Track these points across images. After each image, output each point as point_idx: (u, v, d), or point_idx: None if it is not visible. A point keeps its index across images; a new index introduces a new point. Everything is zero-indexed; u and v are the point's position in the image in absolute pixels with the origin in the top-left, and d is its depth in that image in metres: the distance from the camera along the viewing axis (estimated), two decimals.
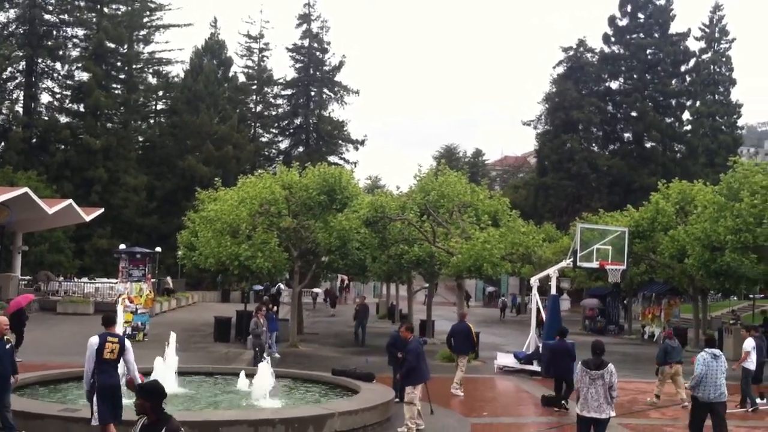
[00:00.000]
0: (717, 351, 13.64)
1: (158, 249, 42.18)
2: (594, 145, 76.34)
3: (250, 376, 16.62)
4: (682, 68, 75.07)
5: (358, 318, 31.66)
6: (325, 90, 77.46)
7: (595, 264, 24.06)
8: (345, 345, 30.72)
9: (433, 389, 15.83)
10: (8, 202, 35.87)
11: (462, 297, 28.69)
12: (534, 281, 25.25)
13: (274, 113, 78.41)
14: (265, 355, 20.29)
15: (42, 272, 45.90)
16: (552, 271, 24.48)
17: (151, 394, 6.42)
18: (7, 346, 11.94)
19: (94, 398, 10.97)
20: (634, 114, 74.03)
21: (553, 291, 24.44)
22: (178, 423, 6.36)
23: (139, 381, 10.59)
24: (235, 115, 69.17)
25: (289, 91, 78.23)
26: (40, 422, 12.07)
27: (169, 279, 49.52)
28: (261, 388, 15.35)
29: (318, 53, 76.95)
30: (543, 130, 77.32)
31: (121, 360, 11.31)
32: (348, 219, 28.73)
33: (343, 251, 29.53)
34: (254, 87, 76.74)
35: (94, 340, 11.14)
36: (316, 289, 62.49)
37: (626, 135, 76.64)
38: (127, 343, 11.42)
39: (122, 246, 34.76)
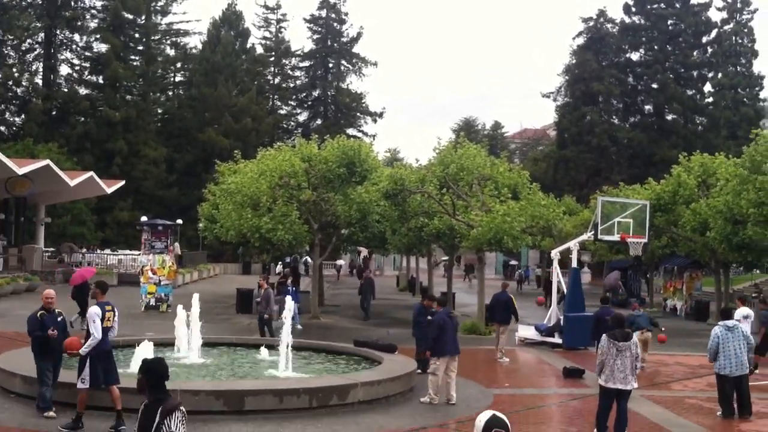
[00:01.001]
0: (731, 322, 13.63)
1: (179, 221, 42.39)
2: (614, 117, 75.74)
3: (272, 347, 16.79)
4: (704, 39, 74.06)
5: (362, 292, 31.43)
6: (343, 61, 77.16)
7: (616, 237, 23.99)
8: (366, 316, 30.88)
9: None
10: (30, 175, 36.15)
11: (482, 270, 28.68)
12: (554, 254, 25.23)
13: (292, 85, 78.24)
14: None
15: (65, 244, 46.34)
16: (573, 244, 24.45)
17: (149, 371, 5.99)
18: (59, 318, 12.15)
19: (87, 362, 11.36)
20: (654, 86, 73.23)
21: (574, 264, 24.42)
22: (176, 402, 5.92)
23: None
24: (254, 87, 69.13)
25: (306, 63, 77.99)
26: (66, 390, 12.22)
27: (177, 245, 49.32)
28: (283, 359, 15.51)
29: (336, 24, 76.58)
30: (562, 102, 76.79)
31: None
32: (368, 192, 28.76)
33: (363, 224, 29.65)
34: (272, 59, 76.55)
35: (97, 310, 11.53)
36: (339, 261, 62.72)
37: (647, 107, 75.90)
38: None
39: (144, 218, 34.91)
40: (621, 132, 72.17)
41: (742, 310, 18.98)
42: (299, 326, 24.99)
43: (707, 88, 74.88)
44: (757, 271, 52.79)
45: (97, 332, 11.35)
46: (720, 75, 73.42)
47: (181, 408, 5.83)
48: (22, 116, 63.62)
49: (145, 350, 14.40)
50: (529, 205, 27.39)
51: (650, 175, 40.10)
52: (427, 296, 18.47)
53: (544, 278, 45.82)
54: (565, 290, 24.62)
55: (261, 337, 20.49)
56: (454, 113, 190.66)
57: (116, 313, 12.00)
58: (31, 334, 11.98)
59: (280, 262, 40.49)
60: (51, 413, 11.68)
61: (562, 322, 23.14)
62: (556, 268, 24.97)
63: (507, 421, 4.68)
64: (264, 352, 17.34)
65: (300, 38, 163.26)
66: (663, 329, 23.13)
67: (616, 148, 70.97)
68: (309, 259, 41.97)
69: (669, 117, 73.56)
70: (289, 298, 18.14)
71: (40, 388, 11.87)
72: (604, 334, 12.28)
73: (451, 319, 14.68)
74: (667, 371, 19.01)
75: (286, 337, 15.87)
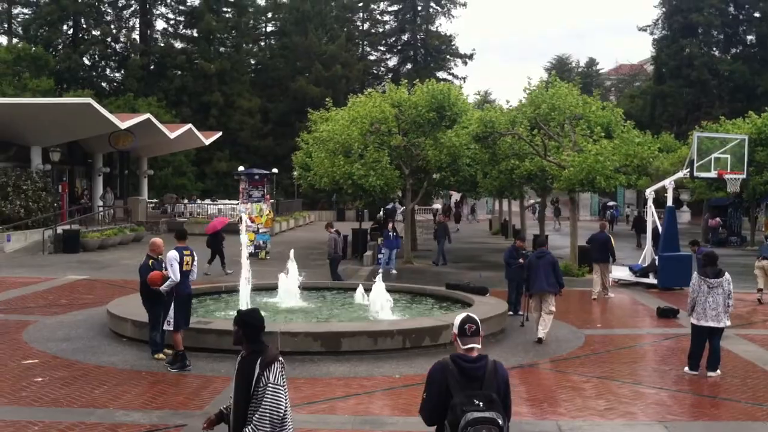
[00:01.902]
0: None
1: (275, 170, 43.38)
2: (715, 49, 72.84)
3: (368, 290, 17.26)
4: None
5: (437, 237, 30.28)
6: (432, 4, 76.47)
7: (713, 174, 23.37)
8: (458, 261, 31.14)
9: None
10: (132, 129, 37.51)
11: (575, 211, 28.45)
12: (649, 193, 24.78)
13: (381, 30, 78.13)
14: (380, 271, 20.87)
15: (168, 195, 48.08)
16: (668, 183, 23.97)
17: (245, 324, 5.82)
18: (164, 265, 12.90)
19: (172, 306, 12.11)
20: (757, 15, 69.94)
21: (669, 203, 23.98)
22: (275, 353, 5.77)
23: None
24: (343, 34, 69.39)
25: (395, 7, 77.61)
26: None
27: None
28: (376, 303, 15.98)
29: None
30: (660, 35, 74.24)
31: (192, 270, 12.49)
32: (458, 135, 28.76)
33: (454, 168, 29.72)
34: (360, 4, 76.50)
35: (175, 254, 12.18)
36: (436, 205, 63.04)
37: (749, 37, 72.71)
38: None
39: (240, 168, 35.89)
40: (722, 64, 69.38)
41: None
42: (394, 271, 25.48)
43: None
44: None
45: (174, 275, 12.05)
46: None
47: (280, 359, 5.75)
48: (122, 72, 65.75)
49: (244, 292, 15.23)
50: (623, 144, 26.88)
51: (753, 108, 38.73)
52: (518, 237, 18.70)
53: (634, 217, 45.04)
54: (660, 230, 24.24)
55: (333, 280, 21.23)
56: (547, 52, 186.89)
57: (195, 258, 12.61)
58: (144, 282, 12.62)
59: (382, 208, 41.03)
60: (161, 355, 12.47)
61: (657, 262, 22.86)
62: (650, 207, 24.55)
63: (478, 320, 5.39)
64: (359, 295, 17.84)
65: None
66: None
67: (716, 82, 68.33)
68: (398, 205, 42.20)
69: None
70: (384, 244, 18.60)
71: (150, 333, 12.65)
72: (695, 272, 12.23)
73: (540, 259, 14.80)
74: (764, 309, 18.67)
75: (381, 281, 16.37)
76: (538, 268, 14.64)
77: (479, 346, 5.20)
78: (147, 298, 12.59)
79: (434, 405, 5.17)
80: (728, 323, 12.04)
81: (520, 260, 16.73)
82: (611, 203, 65.49)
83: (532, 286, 14.73)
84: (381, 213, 39.00)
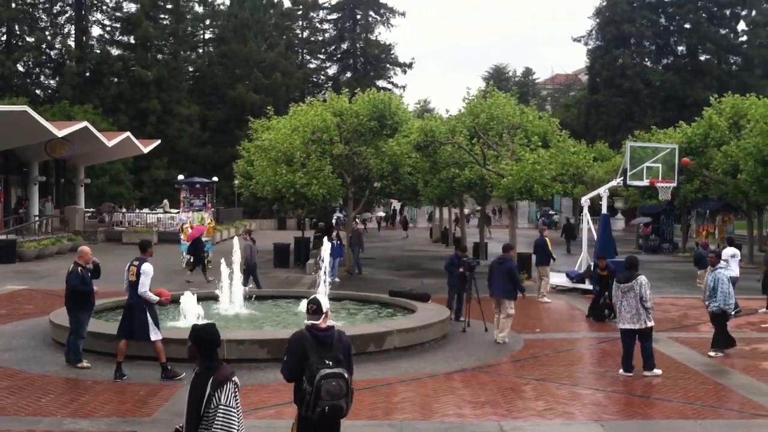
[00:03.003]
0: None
1: (215, 179, 43.17)
2: (647, 59, 74.88)
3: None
4: None
5: (351, 245, 29.60)
6: (371, 13, 76.97)
7: (645, 182, 24.21)
8: (400, 268, 31.50)
9: (486, 308, 16.48)
10: (69, 137, 36.91)
11: (514, 218, 29.06)
12: (585, 201, 25.49)
13: (320, 38, 78.31)
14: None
15: (106, 204, 47.39)
16: (602, 191, 24.71)
17: (199, 340, 5.69)
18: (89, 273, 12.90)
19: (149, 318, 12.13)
20: (687, 26, 72.14)
21: (604, 210, 24.69)
22: (228, 371, 5.62)
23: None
24: (282, 42, 69.39)
25: (334, 16, 77.91)
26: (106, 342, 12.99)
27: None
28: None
29: None
30: (594, 45, 75.96)
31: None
32: (399, 144, 29.17)
33: (395, 176, 30.11)
34: (300, 12, 76.57)
35: (149, 267, 12.29)
36: (380, 213, 63.41)
37: (680, 48, 74.95)
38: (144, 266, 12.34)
39: (180, 176, 35.67)
40: (654, 74, 71.38)
41: (729, 250, 20.23)
42: (337, 279, 25.63)
43: (741, 26, 73.69)
44: None
45: (143, 286, 12.14)
46: (754, 12, 72.03)
47: (234, 379, 5.58)
48: (57, 79, 64.59)
49: (188, 302, 15.23)
50: (559, 153, 27.60)
51: (684, 118, 39.92)
52: (459, 247, 19.16)
53: (564, 225, 46.07)
54: (595, 237, 24.94)
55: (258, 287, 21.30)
56: (484, 61, 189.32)
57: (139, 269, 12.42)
58: (74, 288, 12.61)
59: (335, 215, 41.13)
60: (86, 363, 12.51)
61: (592, 269, 23.49)
62: (586, 215, 25.24)
63: (319, 299, 6.75)
64: (303, 303, 17.95)
65: None
66: None
67: (648, 91, 70.21)
68: (339, 214, 42.37)
69: (702, 57, 72.72)
70: (326, 252, 18.78)
71: (75, 341, 12.60)
72: (615, 279, 12.91)
73: (500, 265, 15.44)
74: (695, 314, 19.39)
75: (324, 288, 16.57)
76: (496, 274, 15.32)
77: (320, 321, 6.57)
78: (72, 306, 12.60)
79: (294, 365, 6.40)
80: (650, 324, 12.49)
81: (461, 269, 17.16)
82: (552, 212, 66.74)
83: (490, 290, 15.51)
84: (320, 222, 39.11)
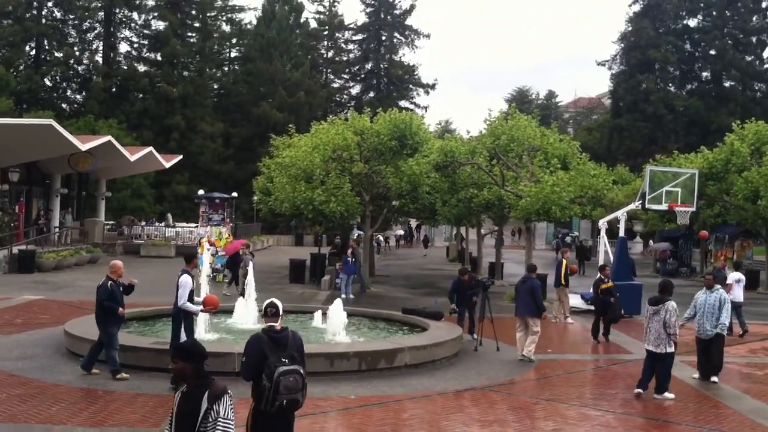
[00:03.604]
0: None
1: (235, 194, 43.43)
2: (671, 85, 74.65)
3: (325, 314, 17.49)
4: (763, 4, 72.49)
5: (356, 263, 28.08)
6: (396, 34, 77.36)
7: (664, 206, 24.11)
8: (415, 286, 31.50)
9: (499, 328, 16.47)
10: (92, 150, 37.38)
11: (530, 239, 29.02)
12: (602, 224, 25.45)
13: (345, 59, 78.75)
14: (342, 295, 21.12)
15: (125, 217, 47.80)
16: (620, 214, 24.65)
17: (192, 356, 5.53)
18: (121, 288, 13.02)
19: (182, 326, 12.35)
20: (712, 52, 71.98)
21: (622, 233, 24.62)
22: (223, 385, 5.52)
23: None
24: (307, 61, 69.86)
25: (360, 36, 78.37)
26: (134, 354, 13.15)
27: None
28: (335, 325, 16.22)
29: None
30: (618, 70, 75.88)
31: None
32: (418, 164, 29.25)
33: (414, 195, 30.19)
34: (326, 32, 77.12)
35: (188, 279, 12.48)
36: (399, 231, 63.59)
37: (704, 74, 74.68)
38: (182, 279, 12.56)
39: (200, 191, 35.97)
40: (677, 100, 71.13)
41: (735, 275, 20.17)
42: (351, 296, 25.68)
43: (766, 53, 73.30)
44: None
45: (182, 298, 12.39)
46: None
47: (229, 392, 5.50)
48: (84, 94, 65.47)
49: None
50: (579, 176, 27.58)
51: (707, 143, 39.71)
52: (462, 272, 18.76)
53: (577, 247, 45.91)
54: (611, 259, 24.85)
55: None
56: (508, 83, 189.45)
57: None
58: (100, 303, 12.72)
59: (358, 233, 41.32)
60: (124, 374, 12.56)
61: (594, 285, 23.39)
62: (603, 238, 25.16)
63: (277, 303, 7.44)
64: (317, 318, 18.05)
65: (353, 12, 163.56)
66: None
67: (672, 117, 69.96)
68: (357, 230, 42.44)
69: (727, 84, 72.38)
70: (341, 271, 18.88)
71: (109, 353, 12.67)
72: (647, 301, 12.86)
73: (523, 284, 15.68)
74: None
75: (338, 304, 16.63)
76: (521, 294, 15.62)
77: (277, 324, 7.31)
78: (102, 319, 12.71)
79: (254, 365, 6.94)
80: (669, 350, 12.43)
81: (475, 297, 17.34)
82: (573, 233, 66.42)
83: (516, 309, 15.79)
84: (337, 238, 39.19)
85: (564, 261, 22.86)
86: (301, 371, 6.99)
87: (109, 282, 12.75)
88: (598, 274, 19.57)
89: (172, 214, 54.04)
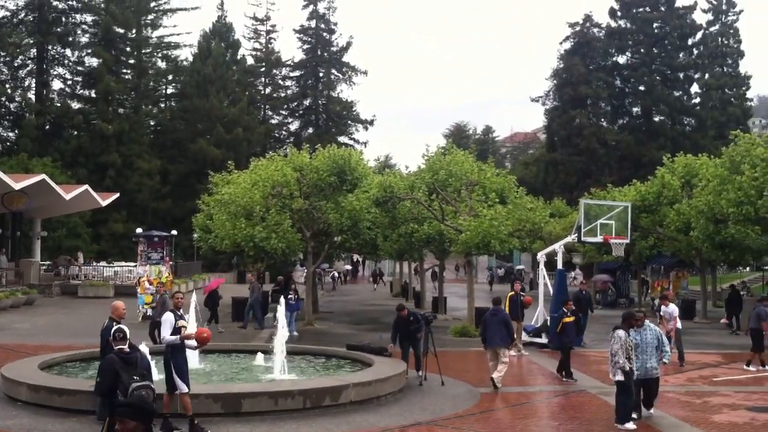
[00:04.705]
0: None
1: (174, 232, 42.90)
2: (603, 120, 76.51)
3: (267, 353, 17.37)
4: (690, 41, 74.94)
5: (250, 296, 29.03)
6: (333, 71, 77.83)
7: (599, 238, 24.67)
8: (359, 322, 31.48)
9: (444, 362, 16.56)
10: (26, 189, 36.59)
11: (472, 273, 29.30)
12: (540, 256, 25.84)
13: (283, 95, 78.90)
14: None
15: (62, 257, 46.74)
16: (558, 246, 25.07)
17: (143, 412, 5.31)
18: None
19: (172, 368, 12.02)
20: (642, 88, 74.09)
21: (559, 265, 25.04)
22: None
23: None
24: (245, 98, 69.71)
25: (297, 73, 78.65)
26: (72, 397, 12.85)
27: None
28: (278, 364, 16.14)
29: (325, 34, 77.26)
30: (552, 106, 77.47)
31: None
32: (358, 199, 29.38)
33: (355, 231, 30.26)
34: (263, 69, 77.23)
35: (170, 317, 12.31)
36: (346, 266, 63.40)
37: (635, 109, 76.75)
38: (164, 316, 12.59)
39: (138, 230, 35.44)
40: (609, 134, 72.99)
41: (672, 307, 20.56)
42: (295, 333, 25.49)
43: (694, 89, 75.88)
44: (747, 269, 53.54)
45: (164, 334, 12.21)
46: (707, 76, 74.42)
47: None
48: (16, 131, 64.08)
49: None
50: (516, 209, 28.06)
51: (639, 177, 40.80)
52: (400, 309, 18.44)
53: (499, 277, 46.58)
54: (551, 291, 25.22)
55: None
56: (446, 119, 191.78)
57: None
58: (105, 347, 12.18)
59: (304, 268, 41.41)
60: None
61: (548, 323, 23.72)
62: (542, 270, 25.56)
63: (124, 329, 9.48)
64: (260, 357, 17.92)
65: (290, 48, 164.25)
66: None
67: (605, 151, 71.67)
68: (299, 267, 42.34)
69: (656, 119, 74.39)
70: (281, 308, 18.69)
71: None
72: None
73: (494, 316, 16.26)
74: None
75: (280, 342, 16.51)
76: (493, 325, 16.07)
77: (126, 346, 9.12)
78: None
79: (109, 384, 8.41)
80: (617, 378, 12.63)
81: (419, 334, 16.99)
82: (519, 267, 67.24)
83: (488, 341, 16.19)
84: (279, 276, 39.00)
85: (523, 294, 23.30)
86: (152, 386, 8.42)
87: (114, 323, 12.48)
88: (547, 317, 19.71)
89: (111, 254, 53.06)
